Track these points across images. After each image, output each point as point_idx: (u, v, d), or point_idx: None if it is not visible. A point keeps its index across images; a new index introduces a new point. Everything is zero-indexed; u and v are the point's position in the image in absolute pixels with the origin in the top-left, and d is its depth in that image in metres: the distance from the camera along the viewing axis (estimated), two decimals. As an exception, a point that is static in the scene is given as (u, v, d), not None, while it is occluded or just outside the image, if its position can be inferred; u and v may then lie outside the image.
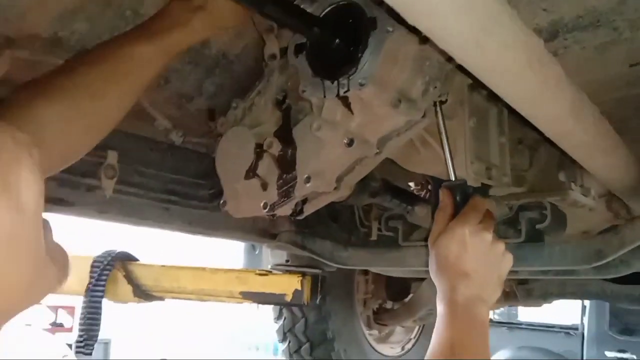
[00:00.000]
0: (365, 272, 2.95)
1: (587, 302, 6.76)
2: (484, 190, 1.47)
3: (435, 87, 1.09)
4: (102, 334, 2.54)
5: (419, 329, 3.22)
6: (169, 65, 1.03)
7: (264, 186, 1.28)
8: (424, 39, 1.05)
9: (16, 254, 0.52)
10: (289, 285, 2.01)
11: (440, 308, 0.97)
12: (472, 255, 0.98)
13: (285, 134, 1.25)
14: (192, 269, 2.15)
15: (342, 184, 1.25)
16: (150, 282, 2.15)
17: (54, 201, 1.37)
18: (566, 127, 1.12)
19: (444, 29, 0.63)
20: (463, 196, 1.06)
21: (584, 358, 6.77)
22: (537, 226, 1.31)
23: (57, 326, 7.98)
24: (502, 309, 8.09)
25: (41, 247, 0.56)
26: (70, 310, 7.85)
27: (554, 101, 0.98)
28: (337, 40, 1.08)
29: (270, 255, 2.12)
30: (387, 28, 1.03)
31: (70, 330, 7.81)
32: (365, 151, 1.16)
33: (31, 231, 0.53)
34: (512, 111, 1.17)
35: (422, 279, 2.73)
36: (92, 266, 2.14)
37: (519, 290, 2.24)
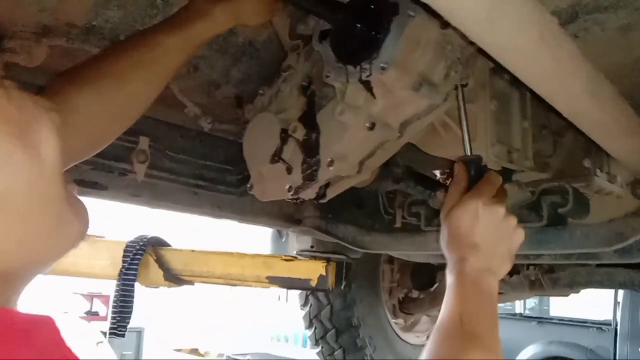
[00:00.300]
0: (391, 261, 2.97)
1: (620, 297, 6.63)
2: (507, 174, 1.49)
3: (457, 71, 1.11)
4: (136, 323, 2.62)
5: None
6: (195, 54, 1.07)
7: (289, 170, 1.32)
8: (445, 24, 1.07)
9: (37, 205, 0.58)
10: (314, 270, 2.05)
11: (449, 279, 0.99)
12: (483, 227, 0.99)
13: (309, 119, 1.28)
14: (220, 254, 2.21)
15: (364, 167, 1.28)
16: (181, 267, 2.22)
17: (88, 184, 1.44)
18: (583, 105, 1.12)
19: (455, 4, 0.65)
20: (477, 171, 1.08)
21: (617, 354, 6.65)
22: (559, 210, 1.31)
23: (92, 314, 8.22)
24: (533, 303, 8.01)
25: (61, 199, 0.61)
26: (105, 299, 8.07)
27: (569, 78, 0.98)
28: (359, 26, 1.11)
29: (296, 241, 2.17)
30: (408, 13, 1.05)
31: (105, 319, 8.02)
32: (387, 135, 1.19)
33: (51, 184, 0.59)
34: (535, 96, 1.18)
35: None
36: (125, 251, 2.22)
37: (545, 279, 2.23)
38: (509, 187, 1.39)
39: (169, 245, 2.30)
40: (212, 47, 1.37)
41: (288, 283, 2.08)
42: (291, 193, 1.31)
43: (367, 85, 1.13)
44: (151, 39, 1.01)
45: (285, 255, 2.13)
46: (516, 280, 2.31)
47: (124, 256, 2.21)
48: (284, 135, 1.31)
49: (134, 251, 2.20)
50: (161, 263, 2.20)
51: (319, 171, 1.26)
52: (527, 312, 7.95)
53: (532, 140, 1.48)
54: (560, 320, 7.52)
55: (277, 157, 1.32)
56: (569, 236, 1.29)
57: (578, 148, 1.55)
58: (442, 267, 2.90)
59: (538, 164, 1.51)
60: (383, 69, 1.07)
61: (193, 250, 2.25)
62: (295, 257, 2.13)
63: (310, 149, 1.27)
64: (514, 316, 7.76)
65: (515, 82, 1.30)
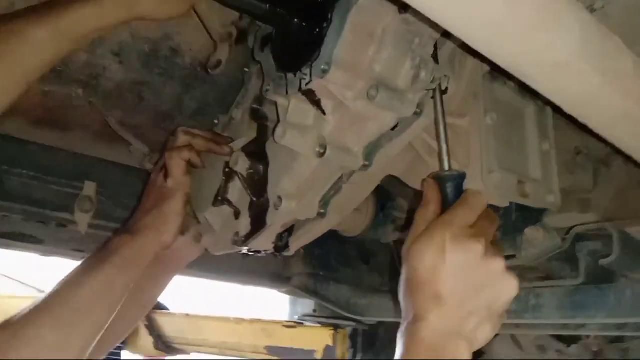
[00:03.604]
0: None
1: None
2: (535, 216, 1.14)
3: (428, 72, 0.81)
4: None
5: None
6: (72, 49, 0.84)
7: (237, 214, 1.04)
8: (404, 5, 0.79)
9: None
10: (319, 340, 1.72)
11: (399, 347, 0.67)
12: (451, 271, 0.67)
13: (258, 149, 1.01)
14: (216, 319, 1.93)
15: (329, 209, 0.99)
16: (173, 334, 1.96)
17: (20, 238, 1.22)
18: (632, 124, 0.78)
19: None
20: (457, 193, 0.76)
21: None
22: (601, 262, 0.95)
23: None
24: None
25: None
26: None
27: (610, 86, 0.64)
28: (297, 21, 0.85)
29: (299, 304, 1.85)
30: (353, -5, 0.78)
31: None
32: (348, 162, 0.90)
33: None
34: (560, 110, 0.85)
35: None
36: (114, 315, 1.98)
37: (611, 350, 1.79)
38: (532, 231, 1.05)
39: (163, 308, 2.05)
40: (154, 71, 1.15)
41: (289, 354, 1.75)
42: (238, 243, 1.03)
43: (311, 97, 0.86)
44: (13, 27, 0.80)
45: (287, 321, 1.81)
46: (575, 352, 1.87)
47: (112, 321, 1.97)
48: (229, 171, 1.04)
49: (123, 315, 1.96)
50: (152, 329, 1.95)
51: (267, 214, 0.98)
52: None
53: (564, 170, 1.14)
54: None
55: (220, 197, 1.05)
56: (615, 298, 0.92)
57: (632, 180, 1.19)
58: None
59: (574, 201, 1.16)
60: (324, 71, 0.79)
61: (187, 315, 1.99)
62: (300, 323, 1.81)
63: (257, 186, 1.00)
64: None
65: (527, 90, 0.98)
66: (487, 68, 0.92)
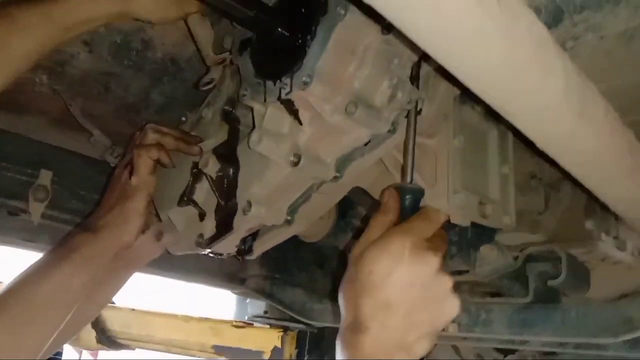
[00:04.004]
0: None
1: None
2: (487, 234, 1.19)
3: (405, 93, 0.84)
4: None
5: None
6: (62, 40, 0.83)
7: (202, 216, 1.04)
8: (388, 27, 0.81)
9: None
10: (267, 341, 1.73)
11: (339, 355, 0.66)
12: (405, 280, 0.67)
13: (228, 152, 1.01)
14: (163, 316, 1.90)
15: (297, 216, 1.00)
16: (117, 328, 1.91)
17: (-33, 224, 1.17)
18: (589, 154, 0.83)
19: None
20: (414, 206, 0.79)
21: None
22: (550, 283, 1.01)
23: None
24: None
25: None
26: None
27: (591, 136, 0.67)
28: (280, 30, 0.86)
29: (249, 305, 1.85)
30: (339, 11, 0.79)
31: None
32: (320, 173, 0.91)
33: None
34: (519, 135, 0.89)
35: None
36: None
37: (544, 362, 1.88)
38: (487, 249, 1.09)
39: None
40: (123, 62, 1.13)
41: (236, 354, 1.75)
42: (201, 245, 1.03)
43: (289, 107, 0.87)
44: (3, 11, 0.78)
45: (236, 321, 1.81)
46: (512, 363, 1.96)
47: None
48: (196, 171, 1.04)
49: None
50: (95, 322, 1.90)
51: (235, 218, 0.98)
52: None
53: (518, 192, 1.20)
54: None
55: (186, 198, 1.04)
56: (560, 318, 0.98)
57: (578, 205, 1.26)
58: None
59: (525, 222, 1.22)
60: (305, 83, 0.80)
61: (133, 310, 1.95)
62: (249, 324, 1.81)
63: (226, 189, 0.99)
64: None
65: (492, 115, 1.03)
66: (457, 91, 0.96)
